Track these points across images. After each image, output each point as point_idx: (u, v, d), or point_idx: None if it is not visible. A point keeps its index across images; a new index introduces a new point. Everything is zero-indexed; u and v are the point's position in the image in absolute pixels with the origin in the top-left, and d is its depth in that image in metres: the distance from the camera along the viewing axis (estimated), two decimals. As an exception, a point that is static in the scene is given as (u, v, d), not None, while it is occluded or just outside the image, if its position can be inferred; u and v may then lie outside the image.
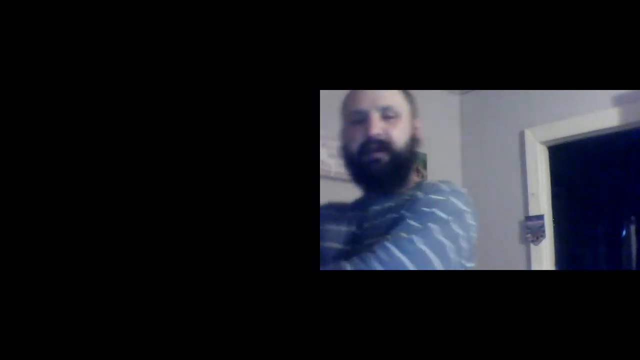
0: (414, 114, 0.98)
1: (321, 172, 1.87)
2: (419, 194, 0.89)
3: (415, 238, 0.79)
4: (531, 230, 2.21)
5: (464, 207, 0.87)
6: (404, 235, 0.79)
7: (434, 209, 0.84)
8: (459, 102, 2.59)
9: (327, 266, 0.90)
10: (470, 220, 0.87)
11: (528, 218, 2.23)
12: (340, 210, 1.02)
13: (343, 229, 0.96)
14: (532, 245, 2.21)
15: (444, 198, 0.87)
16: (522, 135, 2.33)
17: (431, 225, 0.81)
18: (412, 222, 0.82)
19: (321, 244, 0.95)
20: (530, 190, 2.26)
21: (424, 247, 0.78)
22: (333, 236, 0.95)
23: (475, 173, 2.46)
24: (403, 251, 0.77)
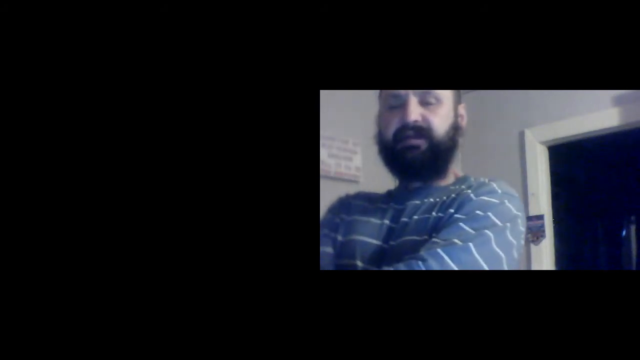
0: (457, 101, 0.90)
1: (321, 172, 1.88)
2: (469, 193, 0.80)
3: (471, 246, 0.71)
4: (531, 230, 2.21)
5: (516, 212, 0.79)
6: (457, 241, 0.71)
7: (488, 213, 0.76)
8: (459, 102, 2.59)
9: (357, 261, 0.83)
10: (521, 226, 0.80)
11: (528, 218, 2.23)
12: (371, 200, 0.95)
13: (374, 221, 0.88)
14: (532, 245, 2.21)
15: (499, 201, 0.78)
16: (522, 135, 2.33)
17: (487, 232, 0.73)
18: (465, 227, 0.74)
19: (349, 236, 0.89)
20: (530, 190, 2.26)
21: (479, 258, 0.71)
22: (363, 229, 0.88)
23: (475, 173, 2.45)
24: (457, 261, 0.69)
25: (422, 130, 0.84)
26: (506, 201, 0.79)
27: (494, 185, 0.83)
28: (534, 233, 2.21)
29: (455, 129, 0.89)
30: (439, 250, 0.71)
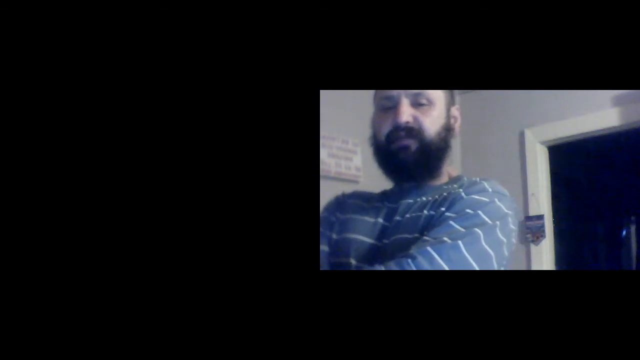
0: (450, 102, 0.92)
1: (321, 172, 1.87)
2: (460, 192, 0.82)
3: (460, 244, 0.72)
4: (531, 230, 2.21)
5: (507, 211, 0.80)
6: (447, 240, 0.72)
7: (478, 212, 0.77)
8: (459, 102, 2.59)
9: (351, 259, 0.84)
10: (512, 224, 0.81)
11: (528, 218, 2.23)
12: (366, 199, 0.96)
13: (368, 219, 0.89)
14: (532, 245, 2.21)
15: (489, 200, 0.80)
16: (522, 135, 2.33)
17: (477, 230, 0.74)
18: (456, 225, 0.75)
19: (344, 234, 0.90)
20: (530, 190, 2.26)
21: (468, 256, 0.72)
22: (357, 227, 0.89)
23: (475, 173, 2.45)
24: (446, 259, 0.70)
25: (413, 131, 0.85)
26: (496, 200, 0.80)
27: (485, 184, 0.84)
28: (534, 233, 2.21)
29: (447, 130, 0.90)
30: (428, 248, 0.72)
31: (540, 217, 2.21)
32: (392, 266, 0.72)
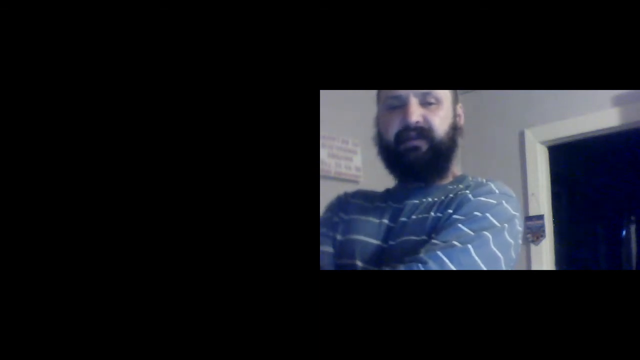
0: (455, 100, 0.92)
1: (321, 172, 1.87)
2: (467, 193, 0.81)
3: (470, 248, 0.72)
4: (531, 230, 2.21)
5: (514, 213, 0.80)
6: (456, 243, 0.72)
7: (487, 214, 0.76)
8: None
9: (357, 261, 0.83)
10: (518, 226, 0.81)
11: (528, 218, 2.23)
12: (369, 199, 0.95)
13: (373, 220, 0.88)
14: (532, 245, 2.21)
15: (497, 202, 0.79)
16: (522, 135, 2.33)
17: (485, 233, 0.74)
18: (464, 228, 0.74)
19: (347, 235, 0.89)
20: (530, 190, 2.26)
21: (478, 259, 0.72)
22: (361, 228, 0.88)
23: (475, 173, 2.45)
24: (457, 263, 0.70)
25: (424, 131, 0.85)
26: (504, 202, 0.80)
27: (492, 185, 0.83)
28: (534, 233, 2.21)
29: (455, 129, 0.89)
30: (438, 252, 0.71)
31: (540, 217, 2.21)
32: (401, 269, 0.71)
